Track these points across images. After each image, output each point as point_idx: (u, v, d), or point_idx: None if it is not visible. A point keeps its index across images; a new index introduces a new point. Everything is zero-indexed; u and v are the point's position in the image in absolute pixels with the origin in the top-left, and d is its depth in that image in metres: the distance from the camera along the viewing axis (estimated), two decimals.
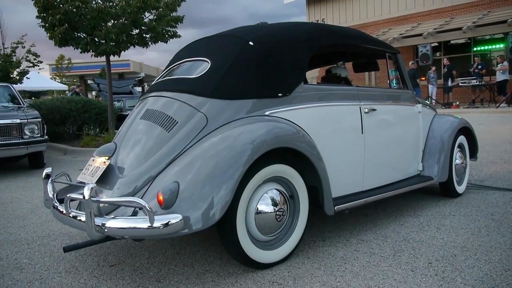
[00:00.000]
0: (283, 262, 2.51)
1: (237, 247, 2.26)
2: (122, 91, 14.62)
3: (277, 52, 2.73)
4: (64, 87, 27.63)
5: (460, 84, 14.64)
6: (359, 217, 3.39)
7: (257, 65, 2.64)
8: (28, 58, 15.30)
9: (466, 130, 4.09)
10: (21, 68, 15.47)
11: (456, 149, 3.91)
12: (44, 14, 7.30)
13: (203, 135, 2.39)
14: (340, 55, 4.23)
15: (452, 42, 17.81)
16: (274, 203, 2.40)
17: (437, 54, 17.78)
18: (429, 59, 14.94)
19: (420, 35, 16.12)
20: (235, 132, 2.33)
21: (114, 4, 7.74)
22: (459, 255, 2.53)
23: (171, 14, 8.72)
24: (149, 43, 8.89)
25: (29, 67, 15.60)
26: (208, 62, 2.68)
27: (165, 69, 3.12)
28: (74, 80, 36.44)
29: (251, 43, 2.69)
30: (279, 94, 2.63)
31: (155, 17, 8.55)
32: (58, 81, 35.53)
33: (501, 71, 13.98)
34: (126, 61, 40.67)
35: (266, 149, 2.29)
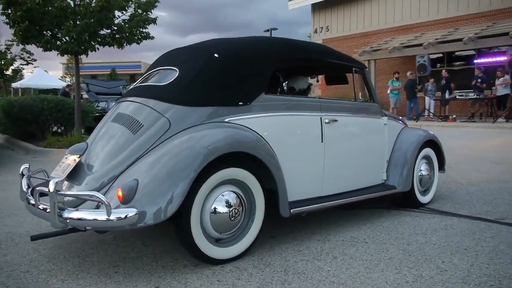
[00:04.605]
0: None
1: (191, 243, 2.42)
2: (112, 92, 14.48)
3: (239, 64, 2.95)
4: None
5: (457, 97, 14.06)
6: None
7: (220, 75, 2.85)
8: (22, 56, 15.42)
9: (433, 143, 4.16)
10: (15, 66, 15.58)
11: (420, 161, 3.99)
12: (8, 11, 7.17)
13: (165, 138, 2.57)
14: (312, 68, 4.34)
15: (457, 53, 17.22)
16: (229, 204, 2.54)
17: (437, 65, 17.18)
18: (426, 70, 14.40)
19: (421, 45, 15.61)
20: (198, 135, 2.52)
21: (79, 3, 7.55)
22: None
23: (148, 15, 8.51)
24: (124, 44, 8.67)
25: (23, 65, 15.72)
26: (177, 71, 2.90)
27: (142, 76, 3.33)
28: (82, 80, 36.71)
29: (216, 55, 2.90)
30: (239, 103, 2.81)
31: (128, 17, 8.34)
32: (68, 80, 35.95)
33: (503, 85, 13.36)
34: (138, 62, 40.92)
35: (220, 153, 2.45)
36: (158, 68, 3.18)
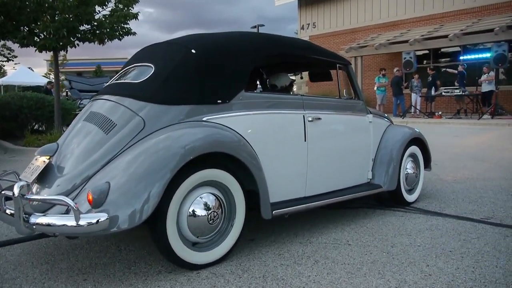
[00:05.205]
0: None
1: (166, 247, 2.31)
2: (95, 89, 14.19)
3: (218, 60, 2.83)
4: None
5: (443, 93, 14.11)
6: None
7: (197, 72, 2.72)
8: (2, 53, 15.03)
9: (419, 141, 4.10)
10: None
11: (406, 159, 3.93)
12: None
13: (140, 138, 2.46)
14: (295, 65, 4.21)
15: (442, 50, 17.29)
16: (208, 207, 2.44)
17: (424, 62, 17.24)
18: (412, 66, 14.42)
19: (407, 41, 15.61)
20: (175, 135, 2.41)
21: None
22: None
23: (129, 10, 8.30)
24: (106, 40, 8.46)
25: (3, 61, 15.33)
26: (152, 68, 2.77)
27: (118, 73, 3.21)
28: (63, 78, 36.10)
29: (193, 51, 2.78)
30: (218, 101, 2.70)
31: (109, 12, 8.13)
32: (52, 77, 35.28)
33: (487, 81, 13.44)
34: (124, 59, 40.33)
35: (197, 154, 2.35)
36: (134, 64, 3.05)
